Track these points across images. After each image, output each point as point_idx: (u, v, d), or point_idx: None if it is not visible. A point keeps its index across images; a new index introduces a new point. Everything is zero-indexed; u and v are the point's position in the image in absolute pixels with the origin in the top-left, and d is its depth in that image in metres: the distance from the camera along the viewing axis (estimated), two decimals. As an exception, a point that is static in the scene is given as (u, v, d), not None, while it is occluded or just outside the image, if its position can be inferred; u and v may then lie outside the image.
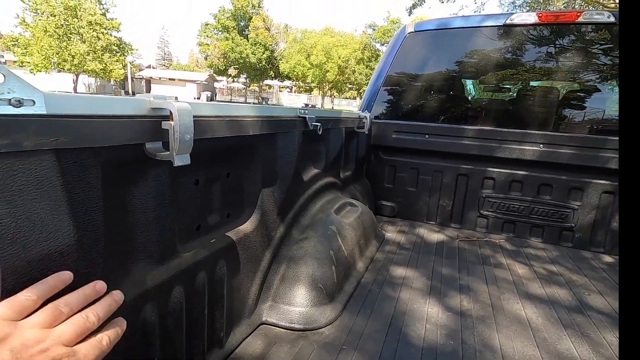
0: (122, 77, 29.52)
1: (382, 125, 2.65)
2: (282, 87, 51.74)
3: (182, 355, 0.96)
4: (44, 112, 0.53)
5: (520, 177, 2.41)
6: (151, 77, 41.02)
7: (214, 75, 41.27)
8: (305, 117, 1.44)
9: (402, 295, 1.62)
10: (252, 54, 36.44)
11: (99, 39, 25.55)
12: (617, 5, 14.34)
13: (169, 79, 41.23)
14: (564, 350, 1.30)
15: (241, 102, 41.55)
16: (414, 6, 11.35)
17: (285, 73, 37.84)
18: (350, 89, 39.93)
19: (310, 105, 1.69)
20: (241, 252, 1.20)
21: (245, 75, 41.49)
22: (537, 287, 1.78)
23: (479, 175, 2.50)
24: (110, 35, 26.86)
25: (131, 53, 29.94)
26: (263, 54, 37.17)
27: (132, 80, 35.74)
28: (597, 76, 2.39)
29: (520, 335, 1.37)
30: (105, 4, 26.92)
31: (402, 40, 2.64)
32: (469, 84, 2.80)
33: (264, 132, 1.19)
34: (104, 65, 26.14)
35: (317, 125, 1.49)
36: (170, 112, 0.73)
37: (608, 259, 2.21)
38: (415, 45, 2.63)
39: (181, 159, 0.75)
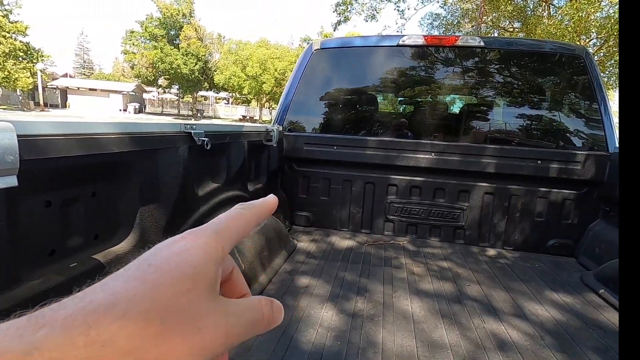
0: (30, 87, 26.40)
1: (293, 137, 2.73)
2: (219, 99, 50.41)
3: None
4: None
5: (418, 182, 2.64)
6: (67, 87, 37.25)
7: (142, 85, 38.81)
8: (191, 132, 1.44)
9: (301, 303, 1.66)
10: (184, 64, 35.01)
11: (0, 43, 22.61)
12: (513, 31, 16.54)
13: (90, 89, 37.81)
14: (437, 338, 1.44)
15: (174, 114, 39.49)
16: (338, 23, 11.92)
17: (221, 84, 36.96)
18: (287, 100, 40.18)
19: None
20: (114, 274, 1.14)
21: (177, 86, 39.66)
22: (427, 283, 1.96)
23: (383, 183, 2.69)
24: (15, 39, 23.94)
25: (42, 60, 26.95)
26: (196, 64, 35.92)
27: (44, 90, 32.09)
28: (478, 92, 2.75)
29: (403, 329, 1.50)
30: (8, 4, 23.99)
31: (309, 56, 2.76)
32: (372, 98, 3.01)
33: (137, 149, 1.16)
34: (6, 73, 23.15)
35: (205, 140, 1.49)
36: (-14, 132, 0.69)
37: (491, 252, 2.51)
38: (321, 62, 2.78)
39: (3, 181, 0.71)
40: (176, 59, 34.92)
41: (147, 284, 0.18)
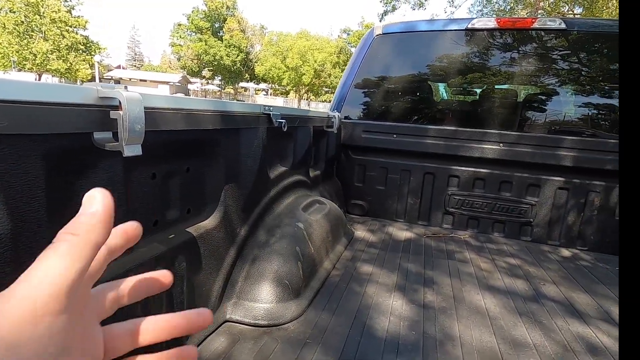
0: (89, 78, 28.38)
1: (351, 125, 2.69)
2: (258, 90, 51.42)
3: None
4: (-26, 96, 0.51)
5: (482, 174, 2.51)
6: (121, 78, 39.66)
7: (188, 76, 40.44)
8: (270, 114, 1.44)
9: (368, 290, 1.64)
10: (227, 55, 35.99)
11: (64, 37, 24.47)
12: (574, 15, 15.25)
13: (140, 80, 40.00)
14: (518, 336, 1.36)
15: (216, 105, 40.81)
16: (385, 13, 11.62)
17: (261, 75, 37.65)
18: (326, 92, 40.21)
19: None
20: (203, 249, 1.18)
21: (220, 77, 40.95)
22: (497, 279, 1.86)
23: (444, 174, 2.59)
24: (76, 33, 25.78)
25: (99, 52, 28.86)
26: (238, 56, 36.78)
27: (101, 81, 34.40)
28: (554, 79, 2.54)
29: (479, 324, 1.43)
30: (71, 0, 25.84)
31: (370, 42, 2.69)
32: (435, 86, 2.89)
33: (225, 127, 1.18)
34: (69, 64, 25.05)
35: (282, 122, 1.49)
36: (120, 101, 0.71)
37: (563, 251, 2.34)
38: (383, 48, 2.70)
39: (131, 150, 0.74)
40: (219, 51, 35.99)
41: None
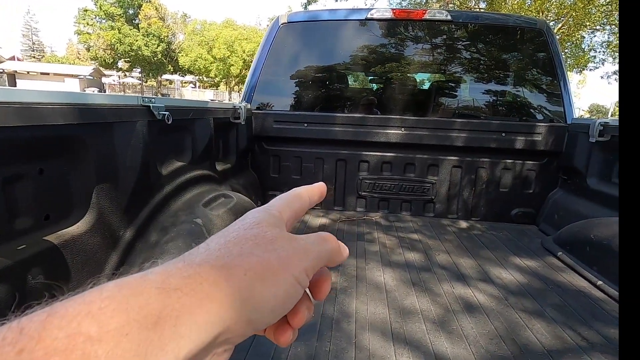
0: (-28, 71, 24.11)
1: (262, 115, 2.65)
2: (185, 83, 48.35)
3: None
4: None
5: (389, 158, 2.66)
6: (16, 71, 34.33)
7: (100, 69, 36.45)
8: (150, 106, 1.35)
9: (274, 279, 1.65)
10: (145, 45, 33.14)
11: None
12: (480, 11, 16.80)
13: (42, 73, 35.00)
14: (408, 305, 1.48)
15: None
16: (308, 2, 11.64)
17: (186, 67, 35.42)
18: (257, 83, 39.12)
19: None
20: (70, 258, 1.07)
21: (139, 70, 37.64)
22: (398, 254, 2.00)
23: (355, 160, 2.69)
24: (-51, 18, 21.61)
25: (-17, 41, 24.56)
26: (158, 46, 34.10)
27: (-11, 75, 29.42)
28: (448, 67, 2.77)
29: (375, 298, 1.52)
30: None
31: (276, 31, 2.66)
32: (341, 74, 2.97)
33: (87, 122, 1.07)
34: (-58, 55, 20.96)
35: (165, 114, 1.41)
36: None
37: (460, 223, 2.60)
38: (289, 37, 2.69)
39: None
40: (136, 40, 33.01)
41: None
